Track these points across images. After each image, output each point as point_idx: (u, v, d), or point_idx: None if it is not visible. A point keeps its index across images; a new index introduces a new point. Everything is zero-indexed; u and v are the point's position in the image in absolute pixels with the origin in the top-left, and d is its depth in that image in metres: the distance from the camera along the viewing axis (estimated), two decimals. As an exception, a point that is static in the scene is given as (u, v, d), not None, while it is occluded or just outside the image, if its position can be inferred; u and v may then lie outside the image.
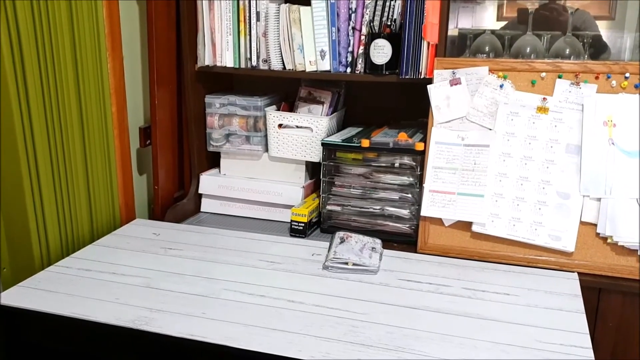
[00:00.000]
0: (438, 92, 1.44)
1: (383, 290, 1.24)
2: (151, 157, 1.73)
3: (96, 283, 1.26)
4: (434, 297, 1.21)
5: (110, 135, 1.59)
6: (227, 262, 1.37)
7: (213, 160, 1.82)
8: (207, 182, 1.75)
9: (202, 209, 1.78)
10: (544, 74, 1.36)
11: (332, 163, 1.58)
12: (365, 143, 1.49)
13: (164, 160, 1.70)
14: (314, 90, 1.73)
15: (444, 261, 1.38)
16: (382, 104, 1.80)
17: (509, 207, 1.38)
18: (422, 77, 1.46)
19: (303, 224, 1.56)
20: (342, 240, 1.41)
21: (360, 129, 1.72)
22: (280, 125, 1.67)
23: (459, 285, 1.26)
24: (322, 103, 1.70)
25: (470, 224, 1.42)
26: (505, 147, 1.39)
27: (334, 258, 1.32)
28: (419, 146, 1.45)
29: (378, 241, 1.44)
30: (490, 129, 1.41)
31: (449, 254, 1.43)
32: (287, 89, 1.83)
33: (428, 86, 1.44)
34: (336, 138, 1.58)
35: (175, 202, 1.75)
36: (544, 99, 1.37)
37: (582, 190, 1.34)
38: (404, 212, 1.53)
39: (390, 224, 1.54)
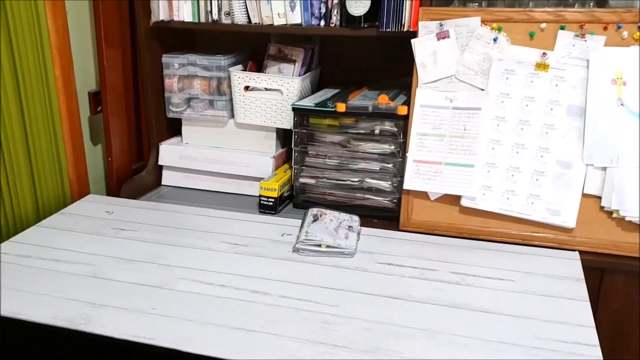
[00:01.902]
0: (423, 47, 1.26)
1: (360, 277, 1.09)
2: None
3: (35, 273, 1.10)
4: (417, 283, 1.06)
5: (54, 101, 1.40)
6: (186, 244, 1.21)
7: (174, 128, 1.64)
8: (168, 152, 1.58)
9: (163, 182, 1.61)
10: (544, 25, 1.19)
11: (304, 130, 1.41)
12: (341, 107, 1.32)
13: (117, 128, 1.51)
14: (284, 47, 1.54)
15: (429, 240, 1.23)
16: (362, 62, 1.62)
17: (502, 178, 1.23)
18: (405, 30, 1.28)
19: (273, 200, 1.39)
20: (316, 218, 1.25)
21: (336, 90, 1.54)
22: (246, 88, 1.49)
23: (446, 269, 1.11)
24: (294, 62, 1.51)
25: (458, 197, 1.26)
26: (499, 110, 1.23)
27: (305, 240, 1.17)
28: (402, 110, 1.28)
29: (356, 218, 1.29)
30: (482, 90, 1.24)
31: (435, 231, 1.28)
32: (255, 47, 1.64)
33: (412, 40, 1.26)
34: (309, 102, 1.40)
35: (134, 175, 1.58)
36: (543, 54, 1.20)
37: (585, 158, 1.18)
38: (385, 185, 1.37)
39: (370, 197, 1.39)
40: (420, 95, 1.27)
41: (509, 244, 1.22)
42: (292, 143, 1.44)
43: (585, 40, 1.17)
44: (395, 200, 1.36)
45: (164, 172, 1.60)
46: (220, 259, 1.15)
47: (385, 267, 1.12)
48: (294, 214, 1.42)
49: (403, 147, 1.33)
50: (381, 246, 1.21)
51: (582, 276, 1.08)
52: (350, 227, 1.23)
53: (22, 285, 1.05)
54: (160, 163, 1.58)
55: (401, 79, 1.62)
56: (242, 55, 1.58)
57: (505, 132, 1.23)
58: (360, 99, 1.37)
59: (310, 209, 1.30)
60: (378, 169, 1.37)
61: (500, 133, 1.23)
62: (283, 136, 1.56)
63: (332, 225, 1.23)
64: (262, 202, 1.40)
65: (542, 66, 1.20)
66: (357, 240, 1.21)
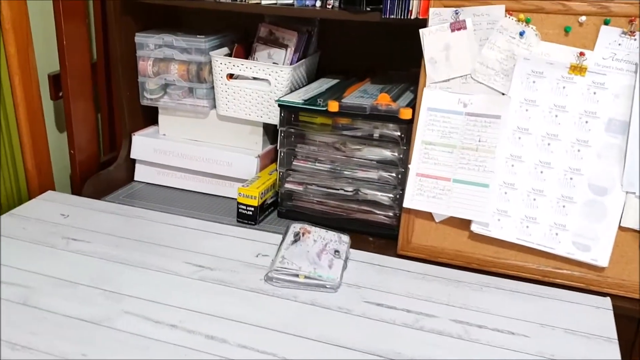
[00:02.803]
0: (434, 40, 1.04)
1: (341, 321, 0.89)
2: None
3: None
4: (409, 335, 0.87)
5: (5, 83, 1.22)
6: (143, 264, 1.03)
7: (150, 117, 1.45)
8: (141, 144, 1.39)
9: (135, 178, 1.42)
10: (583, 18, 0.96)
11: (293, 129, 1.21)
12: (333, 106, 1.11)
13: (81, 116, 1.32)
14: (276, 29, 1.33)
15: (431, 271, 1.03)
16: (366, 47, 1.41)
17: (522, 202, 1.02)
18: (412, 17, 1.06)
19: (253, 209, 1.20)
20: (297, 238, 1.06)
21: (334, 81, 1.33)
22: (230, 76, 1.29)
23: (447, 315, 0.92)
24: (286, 47, 1.30)
25: (468, 221, 1.06)
26: (522, 120, 1.01)
27: (280, 267, 0.98)
28: (405, 113, 1.07)
29: (345, 239, 1.09)
30: (502, 94, 1.02)
31: (439, 259, 1.08)
32: (248, 28, 1.43)
33: (421, 30, 1.05)
34: (297, 96, 1.19)
35: (102, 169, 1.39)
36: (580, 54, 0.97)
37: (625, 184, 0.97)
38: (384, 197, 1.17)
39: (366, 210, 1.19)
40: (429, 96, 1.06)
41: (525, 281, 1.01)
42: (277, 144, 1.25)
43: (635, 39, 0.94)
44: (395, 216, 1.17)
45: (137, 167, 1.41)
46: (178, 286, 0.97)
47: (373, 309, 0.92)
48: (276, 224, 1.23)
49: (406, 155, 1.12)
50: (372, 278, 1.01)
51: (615, 334, 0.88)
52: (336, 251, 1.04)
53: None
54: (132, 156, 1.40)
55: (411, 69, 1.40)
56: (228, 36, 1.37)
57: (528, 147, 1.01)
58: (357, 96, 1.17)
59: (292, 225, 1.11)
60: (376, 178, 1.17)
61: (522, 148, 1.02)
62: (273, 132, 1.36)
63: (315, 249, 1.03)
64: (240, 210, 1.22)
65: (578, 69, 0.98)
66: (344, 269, 1.01)
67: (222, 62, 1.27)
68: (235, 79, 1.30)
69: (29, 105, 1.28)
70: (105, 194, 1.33)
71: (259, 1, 1.20)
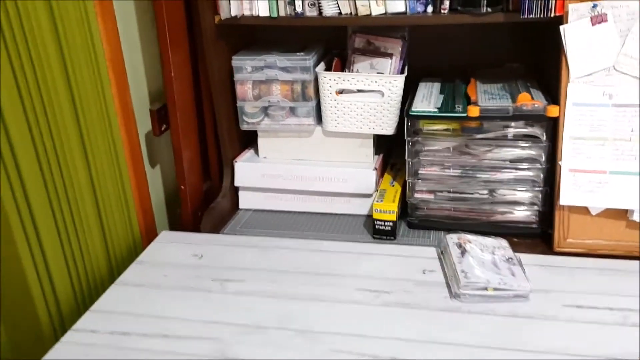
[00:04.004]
0: (575, 35, 1.04)
1: (555, 329, 0.89)
2: (164, 145, 1.31)
3: (138, 355, 0.88)
4: (630, 334, 0.87)
5: (114, 126, 1.15)
6: (316, 296, 1.00)
7: (244, 141, 1.40)
8: (245, 170, 1.34)
9: (240, 206, 1.37)
10: None
11: (419, 138, 1.19)
12: (473, 111, 1.10)
13: (188, 149, 1.27)
14: (374, 38, 1.30)
15: (606, 266, 1.04)
16: (447, 45, 1.40)
17: (682, 185, 1.04)
18: (552, 14, 1.05)
19: (391, 223, 1.18)
20: (463, 250, 1.05)
21: (437, 84, 1.32)
22: (339, 91, 1.26)
23: (651, 308, 0.93)
24: (390, 55, 1.28)
25: (624, 211, 1.07)
26: (675, 105, 1.03)
27: (467, 283, 0.96)
28: (552, 111, 1.07)
29: (504, 243, 1.08)
30: (650, 82, 1.04)
31: (598, 252, 1.09)
32: (326, 41, 1.39)
33: (562, 27, 1.04)
34: (424, 105, 1.17)
35: (207, 201, 1.34)
36: None
37: None
38: (524, 196, 1.17)
39: (504, 210, 1.19)
40: (573, 91, 1.06)
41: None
42: (384, 148, 1.23)
43: None
44: (538, 214, 1.17)
45: (241, 194, 1.36)
46: (367, 316, 0.94)
47: (577, 312, 0.92)
48: (413, 237, 1.21)
49: (547, 151, 1.12)
50: (553, 279, 1.01)
51: None
52: (509, 258, 1.03)
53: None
54: (236, 184, 1.35)
55: (505, 65, 1.40)
56: (319, 51, 1.33)
57: (682, 131, 1.03)
58: (487, 97, 1.15)
59: (448, 236, 1.09)
60: (513, 177, 1.17)
61: (676, 132, 1.03)
62: (376, 142, 1.34)
63: (487, 258, 1.02)
64: (377, 226, 1.19)
65: None
66: (525, 275, 1.00)
67: (332, 79, 1.24)
68: (341, 93, 1.27)
69: (131, 145, 1.21)
70: (219, 227, 1.28)
71: (369, 13, 1.17)
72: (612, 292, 0.97)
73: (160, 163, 1.38)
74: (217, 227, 1.27)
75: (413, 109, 1.15)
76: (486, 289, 0.96)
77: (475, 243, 1.07)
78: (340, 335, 0.90)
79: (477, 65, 1.39)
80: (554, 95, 1.12)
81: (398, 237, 1.21)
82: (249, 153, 1.38)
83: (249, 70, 1.27)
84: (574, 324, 0.90)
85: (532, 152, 1.14)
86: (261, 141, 1.35)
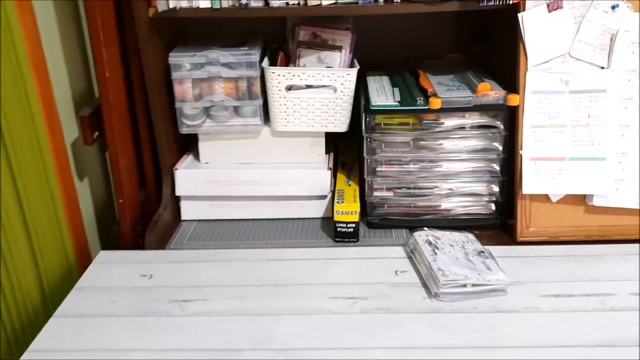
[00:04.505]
0: (533, 22, 1.04)
1: (541, 321, 0.87)
2: (90, 155, 1.17)
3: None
4: (613, 318, 0.87)
5: (40, 133, 1.01)
6: (289, 310, 0.92)
7: (183, 145, 1.29)
8: (186, 178, 1.23)
9: (183, 217, 1.26)
10: (671, -14, 1.01)
11: (377, 133, 1.14)
12: (435, 104, 1.06)
13: (124, 159, 1.14)
14: (320, 30, 1.24)
15: (571, 252, 1.04)
16: (388, 37, 1.37)
17: (636, 168, 1.06)
18: (510, 2, 1.04)
19: (354, 225, 1.13)
20: (434, 247, 1.01)
21: (385, 77, 1.27)
22: (288, 88, 1.18)
23: (622, 290, 0.93)
24: (339, 48, 1.22)
25: (582, 196, 1.08)
26: (627, 89, 1.05)
27: (446, 281, 0.93)
28: (513, 100, 1.06)
29: (471, 237, 1.06)
30: (602, 67, 1.05)
31: (559, 237, 1.09)
32: (263, 34, 1.31)
33: (520, 14, 1.03)
34: (382, 100, 1.13)
35: (144, 214, 1.22)
36: (672, 20, 1.03)
37: None
38: (482, 188, 1.16)
39: (463, 203, 1.17)
40: (532, 79, 1.06)
41: (650, 243, 1.06)
42: (333, 146, 1.19)
43: None
44: (496, 204, 1.16)
45: (183, 204, 1.25)
46: (347, 326, 0.88)
47: (556, 302, 0.91)
48: (374, 237, 1.16)
49: (505, 141, 1.11)
50: (521, 270, 1.00)
51: None
52: (480, 252, 1.01)
53: None
54: (178, 193, 1.23)
55: (447, 56, 1.39)
56: (260, 45, 1.24)
57: (635, 115, 1.05)
58: (447, 90, 1.12)
59: (415, 234, 1.05)
60: (471, 169, 1.15)
61: (629, 116, 1.05)
62: (325, 141, 1.28)
63: (459, 253, 0.99)
64: (339, 229, 1.13)
65: (675, 34, 1.03)
66: (499, 267, 0.98)
67: (280, 74, 1.16)
68: (289, 89, 1.19)
69: (58, 155, 1.07)
70: (164, 242, 1.17)
71: (319, 3, 1.11)
72: (585, 278, 0.97)
73: (88, 174, 1.24)
74: (161, 243, 1.16)
75: (373, 103, 1.10)
76: (464, 285, 0.93)
77: (445, 239, 1.04)
78: (325, 350, 0.83)
79: (418, 57, 1.37)
80: (507, 84, 1.11)
81: (361, 240, 1.16)
82: (189, 159, 1.27)
83: (188, 67, 1.17)
84: (556, 313, 0.89)
85: (490, 143, 1.13)
86: (202, 145, 1.24)
